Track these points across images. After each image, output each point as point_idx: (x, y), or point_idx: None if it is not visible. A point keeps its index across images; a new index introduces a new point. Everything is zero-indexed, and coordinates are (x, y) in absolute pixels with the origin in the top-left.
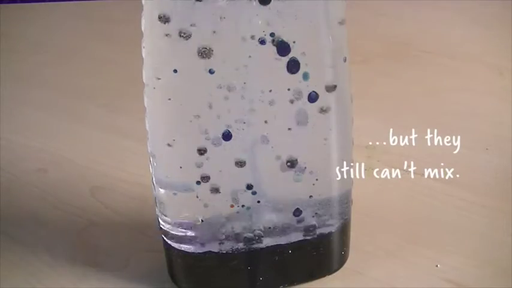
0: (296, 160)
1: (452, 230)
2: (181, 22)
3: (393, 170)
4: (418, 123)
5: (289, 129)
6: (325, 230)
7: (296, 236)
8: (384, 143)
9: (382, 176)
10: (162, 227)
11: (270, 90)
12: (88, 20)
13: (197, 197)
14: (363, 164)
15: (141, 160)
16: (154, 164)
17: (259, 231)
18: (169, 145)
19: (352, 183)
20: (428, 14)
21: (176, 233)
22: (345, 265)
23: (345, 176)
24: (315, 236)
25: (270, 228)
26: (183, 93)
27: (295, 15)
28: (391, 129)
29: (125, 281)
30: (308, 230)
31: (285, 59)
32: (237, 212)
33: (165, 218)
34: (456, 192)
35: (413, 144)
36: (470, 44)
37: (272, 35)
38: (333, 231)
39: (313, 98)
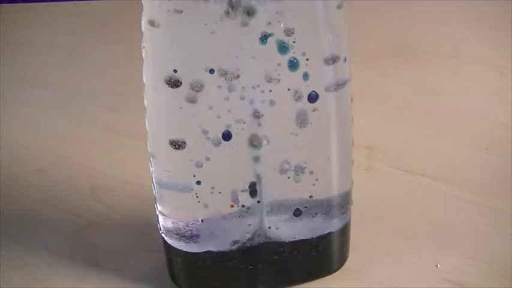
0: (296, 160)
1: (452, 230)
2: (181, 22)
3: (393, 170)
4: (418, 123)
5: (289, 129)
6: (325, 230)
7: (296, 236)
8: (384, 143)
9: (382, 176)
10: (162, 227)
11: (270, 90)
12: (88, 20)
13: (197, 197)
14: (363, 164)
15: (141, 160)
16: (154, 164)
17: (259, 231)
18: (169, 145)
19: (352, 183)
20: (428, 14)
21: (176, 233)
22: (345, 265)
23: (345, 176)
24: (315, 236)
25: (269, 228)
26: (183, 93)
27: (295, 15)
28: (391, 129)
29: (125, 281)
30: (308, 230)
31: (285, 59)
32: (237, 212)
33: (165, 218)
34: (456, 192)
35: (413, 144)
36: (470, 44)
37: (272, 35)
38: (333, 231)
39: (313, 98)
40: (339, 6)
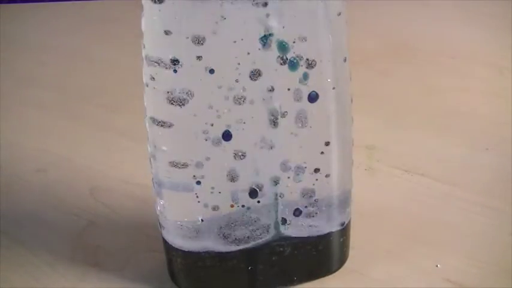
0: (296, 160)
1: (452, 230)
2: (182, 22)
3: (393, 170)
4: (418, 123)
5: (289, 129)
6: (325, 230)
7: (296, 236)
8: (384, 143)
9: (382, 176)
10: (162, 227)
11: (270, 90)
12: (88, 20)
13: (197, 197)
14: (363, 164)
15: (141, 160)
16: (154, 164)
17: (259, 231)
18: (169, 145)
19: (352, 183)
20: (428, 14)
21: (176, 233)
22: (345, 265)
23: (345, 176)
24: (315, 236)
25: (270, 228)
26: (183, 93)
27: (295, 15)
28: (391, 129)
29: (125, 281)
30: (308, 230)
31: (285, 59)
32: (237, 212)
33: (165, 218)
34: (456, 192)
35: (413, 144)
36: (470, 44)
37: (272, 35)
38: (333, 231)
39: (313, 98)
40: (339, 6)
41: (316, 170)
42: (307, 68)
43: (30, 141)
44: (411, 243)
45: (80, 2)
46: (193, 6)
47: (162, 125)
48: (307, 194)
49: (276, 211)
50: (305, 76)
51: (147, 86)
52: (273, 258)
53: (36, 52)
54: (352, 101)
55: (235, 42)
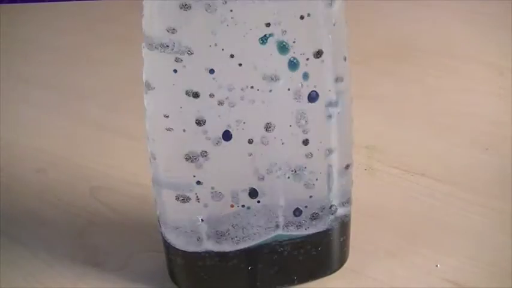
0: (296, 160)
1: (452, 230)
2: (181, 22)
3: (393, 170)
4: (418, 123)
5: (289, 129)
6: (325, 230)
7: (296, 236)
8: (384, 143)
9: (382, 176)
10: (162, 227)
11: (270, 90)
12: (88, 20)
13: (197, 197)
14: (363, 164)
15: (141, 160)
16: (154, 164)
17: (259, 231)
18: (169, 145)
19: (352, 183)
20: (428, 14)
21: (176, 233)
22: (345, 265)
23: (345, 176)
24: (315, 236)
25: (270, 228)
26: (183, 93)
27: (295, 15)
28: (391, 129)
29: (125, 281)
30: (308, 230)
31: (285, 59)
32: (237, 212)
33: (165, 218)
34: (456, 192)
35: (413, 144)
36: (470, 44)
37: (272, 35)
38: (333, 231)
39: (313, 98)
40: (340, 6)
41: (316, 170)
42: (307, 67)
43: (30, 141)
44: (411, 243)
45: (80, 2)
46: (193, 7)
47: (162, 125)
48: (307, 193)
49: (276, 211)
50: (305, 76)
51: (148, 85)
52: (273, 258)
53: (36, 52)
54: (352, 101)
55: (235, 42)
